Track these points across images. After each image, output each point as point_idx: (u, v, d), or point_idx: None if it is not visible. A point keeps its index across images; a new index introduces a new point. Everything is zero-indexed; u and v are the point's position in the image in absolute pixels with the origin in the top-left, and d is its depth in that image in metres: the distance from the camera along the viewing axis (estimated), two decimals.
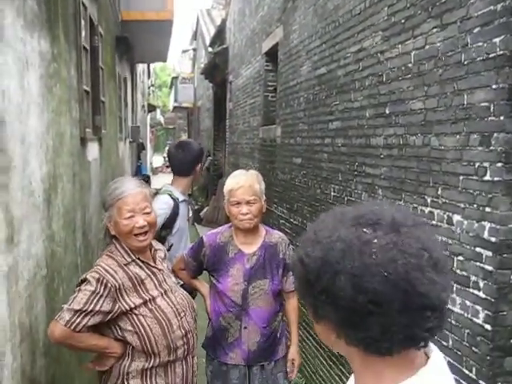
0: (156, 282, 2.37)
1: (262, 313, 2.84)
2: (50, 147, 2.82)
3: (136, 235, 2.30)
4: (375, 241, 0.89)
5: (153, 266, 2.40)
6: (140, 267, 2.34)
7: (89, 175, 4.43)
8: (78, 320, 2.12)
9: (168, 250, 3.50)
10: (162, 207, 3.31)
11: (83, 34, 4.24)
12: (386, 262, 0.86)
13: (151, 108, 26.97)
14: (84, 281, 2.20)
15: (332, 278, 0.89)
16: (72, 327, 2.11)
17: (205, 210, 13.23)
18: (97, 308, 2.15)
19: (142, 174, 13.27)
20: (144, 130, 21.78)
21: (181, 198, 3.55)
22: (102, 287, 2.17)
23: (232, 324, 2.85)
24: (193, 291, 3.43)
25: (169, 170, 26.29)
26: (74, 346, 2.23)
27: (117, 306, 2.20)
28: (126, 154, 10.87)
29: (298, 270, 0.97)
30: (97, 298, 2.15)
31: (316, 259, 0.92)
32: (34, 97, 2.49)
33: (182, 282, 3.43)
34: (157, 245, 2.57)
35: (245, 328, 2.84)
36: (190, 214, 4.08)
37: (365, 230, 0.91)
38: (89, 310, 2.13)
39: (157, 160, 36.41)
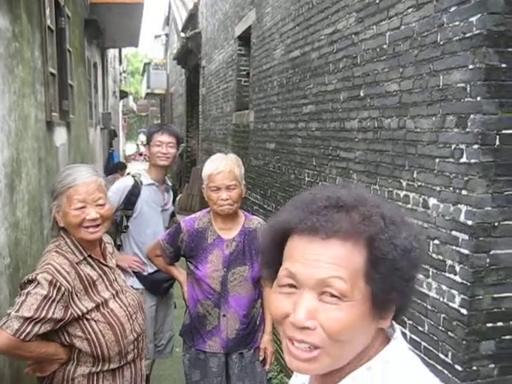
0: (107, 282, 2.17)
1: (242, 300, 2.78)
2: (12, 130, 2.70)
3: (86, 227, 2.06)
4: None
5: (104, 265, 2.19)
6: (91, 266, 2.13)
7: (56, 161, 4.30)
8: (29, 329, 1.86)
9: (123, 231, 3.46)
10: (118, 186, 3.33)
11: (47, 13, 4.07)
12: None
13: (123, 94, 26.55)
14: (32, 281, 1.93)
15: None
16: (22, 337, 1.85)
17: (178, 197, 13.11)
18: (49, 315, 1.90)
19: (116, 162, 13.05)
20: (116, 116, 21.45)
21: (146, 181, 3.48)
22: (55, 291, 1.92)
23: (210, 312, 2.79)
24: (169, 278, 3.38)
25: (141, 157, 26.03)
26: (21, 355, 1.97)
27: (69, 313, 1.97)
28: (97, 140, 10.67)
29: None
30: (49, 304, 1.90)
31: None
32: None
33: (133, 275, 3.38)
34: (105, 237, 2.33)
35: (224, 316, 2.78)
36: (175, 204, 3.98)
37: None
38: (40, 317, 1.88)
39: (130, 147, 36.00)
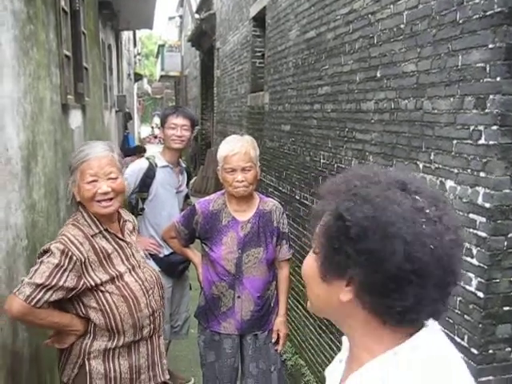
0: (123, 256, 2.22)
1: (256, 282, 2.79)
2: (27, 113, 2.70)
3: (99, 201, 2.12)
4: (427, 210, 0.87)
5: (120, 239, 2.24)
6: (107, 240, 2.18)
7: (72, 143, 4.31)
8: (40, 295, 1.94)
9: (139, 214, 3.48)
10: (133, 168, 3.34)
11: None
12: (434, 234, 0.85)
13: (138, 77, 26.51)
14: (47, 252, 2.01)
15: (382, 240, 0.84)
16: (32, 303, 1.93)
17: (193, 179, 13.14)
18: (60, 283, 1.97)
19: (135, 145, 13.07)
20: (131, 99, 21.44)
21: (160, 163, 3.49)
22: (67, 260, 2.00)
23: (225, 293, 2.80)
24: (185, 260, 3.41)
25: (156, 140, 26.04)
26: (33, 322, 2.05)
27: (82, 282, 2.04)
28: (112, 123, 10.69)
29: (332, 224, 0.91)
30: (61, 272, 1.98)
31: (365, 217, 0.86)
32: (7, 59, 2.36)
33: (149, 258, 3.40)
34: (126, 215, 2.40)
35: (238, 297, 2.79)
36: (189, 186, 4.01)
37: (417, 197, 0.88)
38: (52, 284, 1.96)
39: (144, 130, 36.05)
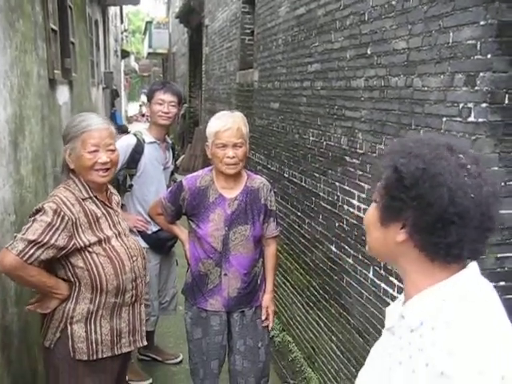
0: (111, 222, 2.32)
1: (243, 259, 2.80)
2: (14, 87, 2.66)
3: (97, 170, 2.24)
4: (469, 166, 1.05)
5: (109, 206, 2.35)
6: (96, 205, 2.28)
7: (59, 119, 4.26)
8: (32, 251, 2.02)
9: (127, 190, 3.48)
10: (121, 144, 3.30)
11: None
12: (474, 185, 1.03)
13: (125, 54, 26.20)
14: (39, 210, 2.10)
15: (432, 188, 1.03)
16: (24, 258, 2.01)
17: (181, 158, 13.07)
18: (52, 241, 2.06)
19: (118, 125, 12.97)
20: (118, 76, 21.20)
21: (148, 139, 3.46)
22: (59, 219, 2.09)
23: (212, 270, 2.80)
24: (173, 237, 3.40)
25: (144, 118, 25.86)
26: (22, 278, 2.12)
27: (72, 243, 2.13)
28: (100, 100, 10.58)
29: (389, 176, 1.11)
30: (53, 231, 2.07)
31: (416, 169, 1.05)
32: None
33: (137, 235, 3.40)
34: (113, 190, 2.52)
35: (225, 275, 2.79)
36: (177, 161, 4.01)
37: (460, 155, 1.07)
38: (44, 241, 2.04)
39: (132, 108, 35.73)
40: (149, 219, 3.43)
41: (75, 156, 2.22)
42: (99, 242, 2.22)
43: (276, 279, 3.12)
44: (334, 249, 3.59)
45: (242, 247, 2.78)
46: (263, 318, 2.93)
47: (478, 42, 2.13)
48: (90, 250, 2.19)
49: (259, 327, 2.94)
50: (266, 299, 2.93)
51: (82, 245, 2.16)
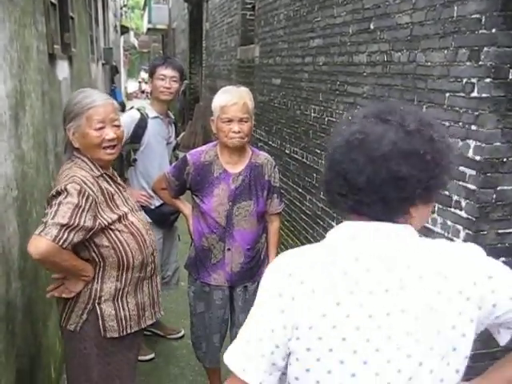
0: (123, 198, 2.28)
1: (246, 234, 2.80)
2: (14, 61, 2.64)
3: (105, 148, 2.16)
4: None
5: (118, 183, 2.31)
6: (108, 182, 2.22)
7: (59, 95, 4.23)
8: (66, 235, 1.95)
9: (131, 165, 3.49)
10: (125, 119, 3.30)
11: None
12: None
13: (124, 30, 25.91)
14: (61, 192, 2.00)
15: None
16: (60, 243, 1.94)
17: (181, 135, 13.02)
18: (81, 223, 1.99)
19: (118, 101, 12.90)
20: (117, 52, 21.01)
21: (151, 114, 3.46)
22: (84, 200, 2.01)
23: (215, 245, 2.81)
24: (176, 211, 3.42)
25: (144, 95, 25.65)
26: (57, 264, 2.05)
27: (97, 222, 2.07)
28: (99, 76, 10.50)
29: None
30: (80, 212, 1.99)
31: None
32: None
33: (141, 209, 3.41)
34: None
35: (228, 250, 2.80)
36: (178, 138, 4.00)
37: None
38: (75, 224, 1.97)
39: (131, 85, 35.48)
40: (152, 194, 3.44)
41: (80, 134, 2.14)
42: (119, 219, 2.17)
43: (277, 255, 3.12)
44: (335, 224, 3.59)
45: (245, 222, 2.79)
46: None
47: (483, 16, 2.11)
48: (113, 227, 2.14)
49: None
50: None
51: (106, 223, 2.11)
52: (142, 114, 3.43)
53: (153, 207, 3.53)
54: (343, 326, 1.07)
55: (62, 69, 4.58)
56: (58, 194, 2.01)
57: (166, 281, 3.89)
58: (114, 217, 2.15)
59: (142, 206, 3.45)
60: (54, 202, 2.00)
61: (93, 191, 2.07)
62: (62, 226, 1.95)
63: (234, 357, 1.17)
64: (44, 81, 3.50)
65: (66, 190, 2.00)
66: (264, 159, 2.86)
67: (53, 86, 3.93)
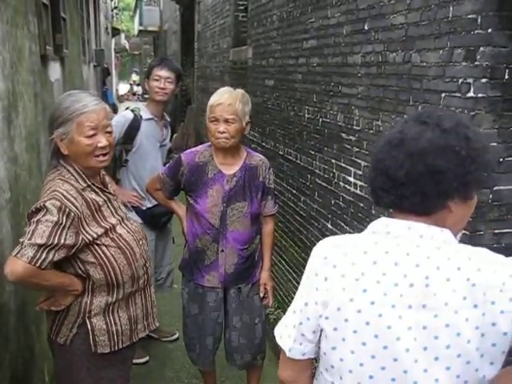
0: (112, 208, 2.17)
1: (240, 235, 2.79)
2: (6, 62, 2.62)
3: (96, 156, 2.05)
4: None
5: (107, 192, 2.19)
6: (96, 193, 2.11)
7: (52, 97, 4.21)
8: (44, 256, 1.86)
9: (123, 165, 3.48)
10: (118, 119, 3.33)
11: None
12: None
13: (115, 32, 25.87)
14: (40, 209, 1.91)
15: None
16: (37, 264, 1.85)
17: (173, 136, 12.97)
18: (61, 241, 1.89)
19: (110, 104, 12.85)
20: (109, 54, 20.95)
21: (145, 116, 3.46)
22: (65, 217, 1.91)
23: (209, 246, 2.80)
24: (167, 212, 3.42)
25: (135, 97, 25.69)
26: (38, 284, 1.97)
27: (80, 238, 1.97)
28: (91, 78, 10.46)
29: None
30: (60, 230, 1.89)
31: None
32: None
33: (131, 210, 3.41)
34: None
35: (222, 251, 2.79)
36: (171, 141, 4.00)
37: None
38: (54, 243, 1.87)
39: (122, 87, 35.39)
40: (143, 195, 3.44)
41: (69, 141, 2.01)
42: (105, 232, 2.07)
43: (272, 257, 3.12)
44: (329, 226, 3.59)
45: (239, 224, 2.78)
46: (261, 295, 2.94)
47: (479, 16, 2.11)
48: (99, 242, 2.05)
49: (256, 304, 2.94)
50: (264, 276, 2.94)
51: (90, 238, 2.02)
52: (135, 115, 3.43)
53: (144, 208, 3.53)
54: (367, 312, 1.18)
55: (54, 70, 4.56)
56: (38, 210, 1.92)
57: (159, 283, 3.88)
58: (101, 231, 2.06)
59: (133, 207, 3.45)
60: (32, 220, 1.91)
61: (75, 206, 1.97)
62: (40, 246, 1.85)
63: (278, 326, 1.37)
64: (36, 82, 3.48)
65: (45, 207, 1.90)
66: (259, 161, 2.86)
67: (45, 87, 3.91)
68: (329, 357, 1.26)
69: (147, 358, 3.79)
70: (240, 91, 2.80)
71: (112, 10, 26.00)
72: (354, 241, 1.29)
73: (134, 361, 3.60)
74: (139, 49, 39.38)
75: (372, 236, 1.27)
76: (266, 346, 3.13)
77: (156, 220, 3.60)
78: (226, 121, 2.66)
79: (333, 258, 1.26)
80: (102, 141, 2.05)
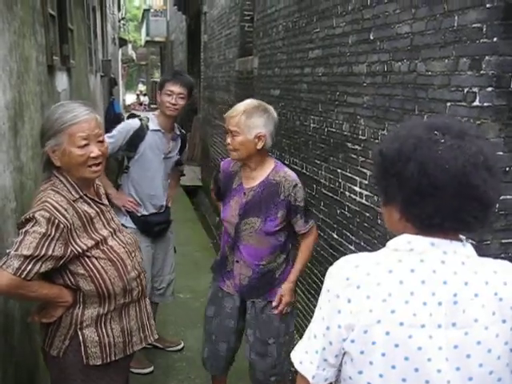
0: (104, 220, 2.14)
1: (253, 250, 2.73)
2: (13, 72, 2.63)
3: (89, 166, 2.02)
4: (442, 141, 1.14)
5: (100, 203, 2.16)
6: (88, 204, 2.08)
7: None
8: (29, 267, 1.83)
9: (124, 171, 3.52)
10: (123, 126, 3.42)
11: None
12: (449, 157, 1.11)
13: (122, 42, 26.05)
14: (30, 220, 1.88)
15: (404, 163, 1.14)
16: (23, 275, 1.82)
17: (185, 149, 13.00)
18: (49, 253, 1.87)
19: (115, 113, 12.91)
20: (116, 64, 21.09)
21: (152, 127, 3.48)
22: (54, 228, 1.89)
23: (229, 255, 2.83)
24: (162, 222, 3.67)
25: (142, 107, 25.84)
26: (24, 296, 1.95)
27: (69, 250, 1.95)
28: (98, 88, 10.52)
29: (376, 160, 1.24)
30: (48, 242, 1.87)
31: (393, 150, 1.18)
32: None
33: (126, 215, 3.48)
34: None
35: (237, 262, 2.78)
36: (182, 152, 4.02)
37: (435, 132, 1.16)
38: (40, 255, 1.85)
39: (129, 97, 35.63)
40: (139, 202, 3.50)
41: (61, 152, 1.98)
42: (96, 244, 2.05)
43: (302, 273, 3.01)
44: (335, 236, 3.57)
45: (251, 239, 2.72)
46: (274, 304, 2.78)
47: (484, 25, 2.11)
48: (89, 254, 2.02)
49: (274, 323, 2.81)
50: (284, 288, 2.78)
51: (80, 250, 1.99)
52: (142, 124, 3.45)
53: (139, 214, 3.56)
54: (396, 333, 1.15)
55: (61, 80, 4.59)
56: (27, 221, 1.90)
57: (160, 292, 3.87)
58: (91, 243, 2.03)
59: (127, 212, 3.49)
60: (21, 231, 1.89)
61: (65, 217, 1.94)
62: (26, 257, 1.83)
63: (296, 351, 1.33)
64: (43, 92, 3.50)
65: (34, 217, 1.88)
66: (282, 177, 2.71)
67: (52, 97, 3.93)
68: (355, 381, 1.21)
69: (152, 369, 3.77)
70: (252, 103, 2.70)
71: (119, 21, 26.18)
72: (376, 259, 1.23)
73: (139, 371, 3.62)
74: (146, 59, 39.68)
75: (394, 253, 1.22)
76: (288, 370, 2.93)
77: (149, 228, 3.62)
78: (231, 132, 2.66)
79: (355, 279, 1.21)
80: (95, 151, 2.02)
